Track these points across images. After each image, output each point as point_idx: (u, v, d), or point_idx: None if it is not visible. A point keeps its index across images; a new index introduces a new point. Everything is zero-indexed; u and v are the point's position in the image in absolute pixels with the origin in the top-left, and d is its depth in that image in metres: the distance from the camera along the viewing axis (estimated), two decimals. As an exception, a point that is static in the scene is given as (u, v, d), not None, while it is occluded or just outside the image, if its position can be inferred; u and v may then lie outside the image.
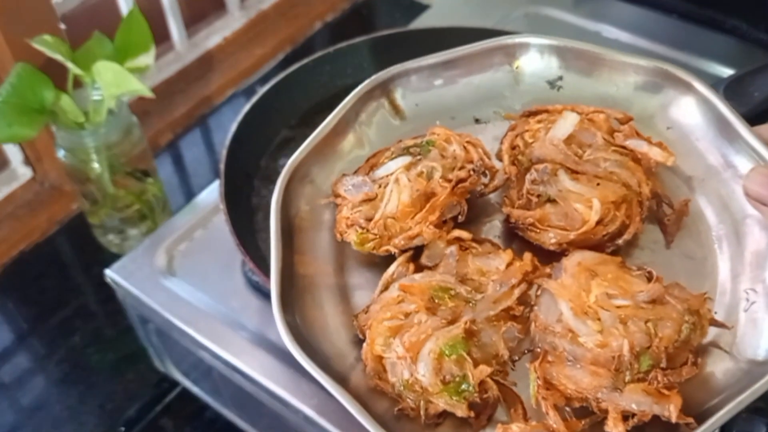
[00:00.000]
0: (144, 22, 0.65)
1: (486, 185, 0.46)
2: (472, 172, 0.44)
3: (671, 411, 0.35)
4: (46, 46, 0.61)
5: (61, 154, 0.67)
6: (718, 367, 0.39)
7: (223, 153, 0.60)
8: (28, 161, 0.80)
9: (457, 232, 0.43)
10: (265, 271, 0.45)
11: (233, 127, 0.62)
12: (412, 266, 0.42)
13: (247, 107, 0.63)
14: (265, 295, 0.45)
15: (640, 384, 0.36)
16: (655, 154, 0.43)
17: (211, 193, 0.68)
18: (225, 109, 0.92)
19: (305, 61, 0.67)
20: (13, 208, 0.80)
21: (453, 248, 0.42)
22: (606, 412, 0.36)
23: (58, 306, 0.75)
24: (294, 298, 0.41)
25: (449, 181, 0.43)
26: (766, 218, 0.40)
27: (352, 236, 0.43)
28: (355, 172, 0.45)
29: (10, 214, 0.79)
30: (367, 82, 0.48)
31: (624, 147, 0.44)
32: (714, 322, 0.39)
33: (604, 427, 0.36)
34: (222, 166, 0.59)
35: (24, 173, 0.81)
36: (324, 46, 0.68)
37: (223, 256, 0.62)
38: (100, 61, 0.61)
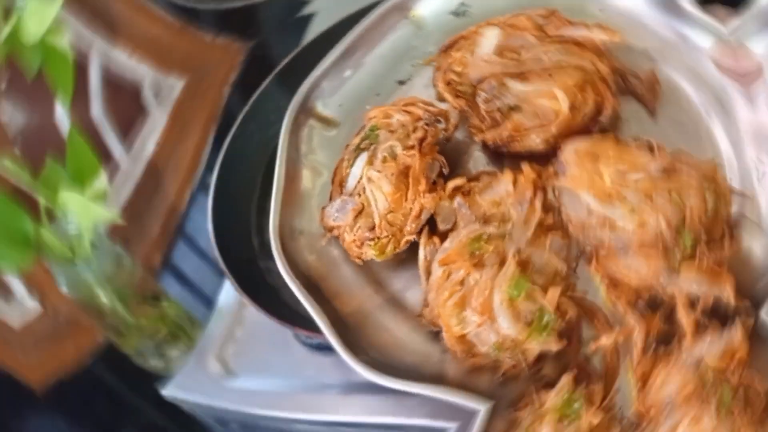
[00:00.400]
0: (85, 145, 0.63)
1: (446, 129, 0.45)
2: (426, 126, 0.43)
3: (728, 291, 0.35)
4: (8, 171, 0.60)
5: (63, 289, 0.66)
6: (756, 243, 0.38)
7: (216, 255, 0.61)
8: (33, 295, 0.79)
9: (451, 183, 0.43)
10: (316, 329, 0.45)
11: (209, 227, 0.62)
12: (436, 239, 0.42)
13: (210, 201, 0.64)
14: (330, 349, 0.46)
15: (693, 261, 0.35)
16: (597, 34, 0.43)
17: (229, 292, 0.67)
18: (193, 211, 0.92)
19: (232, 131, 0.67)
20: (34, 340, 0.77)
21: (458, 199, 0.42)
22: (673, 299, 0.36)
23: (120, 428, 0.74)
24: (356, 336, 0.41)
25: (412, 147, 0.43)
26: (744, 88, 0.40)
27: (369, 253, 0.43)
28: (331, 199, 0.45)
29: (35, 346, 0.77)
30: (287, 117, 0.48)
31: (561, 36, 0.43)
32: (733, 190, 0.39)
33: (677, 316, 0.35)
34: (223, 267, 0.60)
35: (34, 306, 0.79)
36: (240, 106, 0.68)
37: (272, 338, 0.62)
38: (62, 192, 0.59)
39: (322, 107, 0.50)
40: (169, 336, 0.73)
